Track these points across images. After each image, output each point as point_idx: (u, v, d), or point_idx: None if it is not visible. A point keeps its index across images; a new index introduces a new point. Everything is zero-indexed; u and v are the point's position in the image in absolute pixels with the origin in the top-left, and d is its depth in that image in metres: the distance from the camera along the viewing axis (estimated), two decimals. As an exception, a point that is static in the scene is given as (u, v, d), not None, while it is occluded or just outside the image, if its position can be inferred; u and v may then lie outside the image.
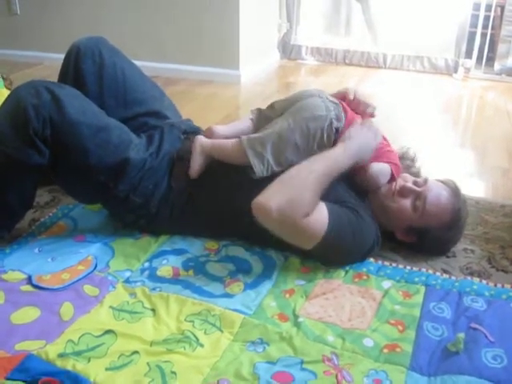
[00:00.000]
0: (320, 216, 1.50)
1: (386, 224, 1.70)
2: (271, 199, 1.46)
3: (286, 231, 1.52)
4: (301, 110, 1.63)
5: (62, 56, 1.89)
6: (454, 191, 1.67)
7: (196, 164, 1.68)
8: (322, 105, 1.63)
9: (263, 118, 1.76)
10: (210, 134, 1.75)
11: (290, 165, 1.56)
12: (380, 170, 1.66)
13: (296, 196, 1.46)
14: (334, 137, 1.63)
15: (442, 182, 1.71)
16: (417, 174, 1.78)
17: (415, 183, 1.67)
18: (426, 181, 1.67)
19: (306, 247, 1.55)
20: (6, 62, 3.93)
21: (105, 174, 1.64)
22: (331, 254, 1.60)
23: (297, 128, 1.60)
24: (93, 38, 1.89)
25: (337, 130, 1.63)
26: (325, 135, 1.61)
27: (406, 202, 1.65)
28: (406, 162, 1.79)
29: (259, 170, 1.59)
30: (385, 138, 1.75)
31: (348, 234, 1.55)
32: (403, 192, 1.65)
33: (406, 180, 1.69)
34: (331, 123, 1.61)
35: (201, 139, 1.70)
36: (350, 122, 1.66)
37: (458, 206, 1.65)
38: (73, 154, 1.60)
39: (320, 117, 1.61)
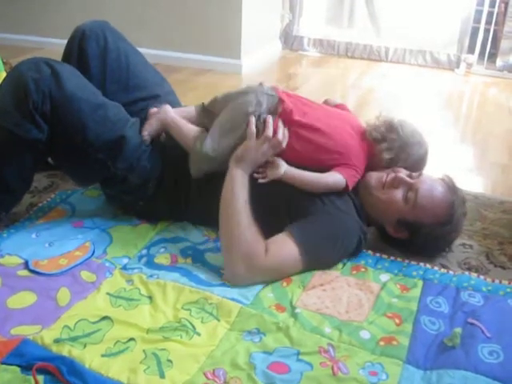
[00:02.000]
0: (281, 244, 1.51)
1: (376, 217, 1.67)
2: (232, 271, 1.51)
3: (267, 277, 1.52)
4: (233, 110, 1.64)
5: (63, 41, 1.88)
6: (450, 187, 1.63)
7: (149, 128, 1.71)
8: (254, 101, 1.62)
9: (205, 112, 1.75)
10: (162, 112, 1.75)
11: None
12: (331, 184, 1.60)
13: (242, 247, 1.49)
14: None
15: (439, 178, 1.66)
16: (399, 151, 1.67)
17: (409, 176, 1.62)
18: (420, 174, 1.63)
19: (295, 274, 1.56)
20: (7, 47, 3.90)
21: (102, 150, 1.64)
22: (320, 267, 1.58)
23: (228, 127, 1.62)
24: (98, 22, 1.88)
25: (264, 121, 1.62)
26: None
27: (397, 193, 1.60)
28: (388, 137, 1.67)
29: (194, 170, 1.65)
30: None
31: (327, 246, 1.55)
32: (394, 182, 1.61)
33: (398, 172, 1.64)
34: (259, 117, 1.61)
35: (168, 108, 1.73)
36: (286, 111, 1.62)
37: (451, 201, 1.60)
38: (71, 129, 1.60)
39: (248, 113, 1.60)
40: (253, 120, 1.59)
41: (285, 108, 1.62)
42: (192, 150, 1.64)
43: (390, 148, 1.65)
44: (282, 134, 1.59)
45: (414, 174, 1.63)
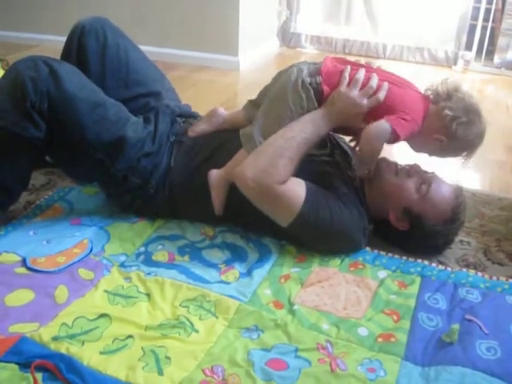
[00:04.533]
0: (297, 188, 1.54)
1: (382, 204, 1.65)
2: (247, 168, 1.53)
3: (263, 200, 1.55)
4: (277, 84, 1.65)
5: (60, 38, 1.88)
6: (458, 193, 1.64)
7: (219, 200, 1.64)
8: (295, 70, 1.61)
9: (254, 106, 1.76)
10: (213, 114, 1.79)
11: None
12: (374, 132, 1.53)
13: (271, 164, 1.52)
14: (314, 92, 1.58)
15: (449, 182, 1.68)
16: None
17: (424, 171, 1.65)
18: (433, 173, 1.67)
19: (282, 223, 1.57)
20: (4, 44, 3.89)
21: (101, 150, 1.64)
22: (308, 236, 1.61)
23: (275, 100, 1.63)
24: (97, 18, 1.89)
25: (312, 84, 1.59)
26: (303, 96, 1.59)
27: (410, 182, 1.62)
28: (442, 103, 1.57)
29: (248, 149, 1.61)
30: (392, 78, 1.62)
31: (325, 214, 1.55)
32: (410, 171, 1.64)
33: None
34: (303, 82, 1.58)
35: (215, 173, 1.63)
36: (328, 73, 1.60)
37: (458, 203, 1.62)
38: (69, 128, 1.59)
39: (292, 81, 1.59)
40: (348, 68, 1.57)
41: (322, 68, 1.60)
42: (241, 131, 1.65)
43: (452, 107, 1.54)
44: (377, 84, 1.54)
45: (428, 171, 1.67)
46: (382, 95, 1.54)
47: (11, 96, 1.54)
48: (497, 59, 3.82)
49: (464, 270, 1.60)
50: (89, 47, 1.82)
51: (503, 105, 3.24)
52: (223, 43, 3.66)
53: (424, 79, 3.68)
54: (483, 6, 3.74)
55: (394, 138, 1.53)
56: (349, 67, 1.58)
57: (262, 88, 1.76)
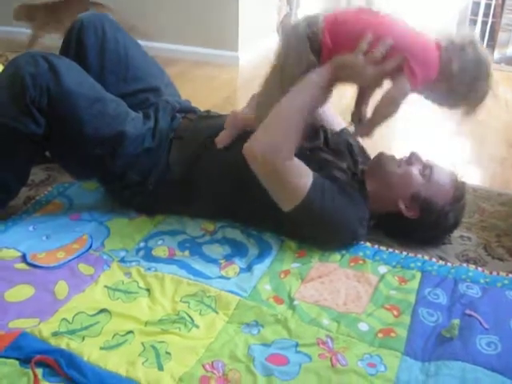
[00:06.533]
0: (303, 171, 1.53)
1: (387, 199, 1.65)
2: (255, 144, 1.51)
3: (271, 176, 1.52)
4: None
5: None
6: (453, 173, 1.69)
7: (226, 138, 1.65)
8: (295, 24, 1.52)
9: None
10: (233, 120, 1.69)
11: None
12: (398, 97, 1.42)
13: (277, 138, 1.49)
14: (311, 43, 1.46)
15: None
16: None
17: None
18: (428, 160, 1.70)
19: (286, 207, 1.54)
20: (2, 39, 3.89)
21: (101, 146, 1.63)
22: (308, 223, 1.59)
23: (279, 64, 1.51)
24: (97, 14, 1.89)
25: (311, 34, 1.48)
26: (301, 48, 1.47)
27: (413, 169, 1.65)
28: None
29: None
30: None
31: (329, 202, 1.54)
32: (411, 159, 1.66)
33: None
34: (305, 31, 1.48)
35: (236, 115, 1.66)
36: (329, 24, 1.52)
37: (459, 183, 1.67)
38: (68, 124, 1.59)
39: (290, 35, 1.50)
40: (368, 38, 1.45)
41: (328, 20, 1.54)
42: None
43: (463, 58, 1.48)
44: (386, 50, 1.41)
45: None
46: (389, 65, 1.41)
47: (11, 92, 1.54)
48: (497, 54, 3.82)
49: (464, 265, 1.60)
50: (88, 42, 1.81)
51: (502, 100, 3.23)
52: (223, 38, 3.66)
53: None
54: (483, 1, 3.74)
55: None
56: (369, 36, 1.44)
57: None
